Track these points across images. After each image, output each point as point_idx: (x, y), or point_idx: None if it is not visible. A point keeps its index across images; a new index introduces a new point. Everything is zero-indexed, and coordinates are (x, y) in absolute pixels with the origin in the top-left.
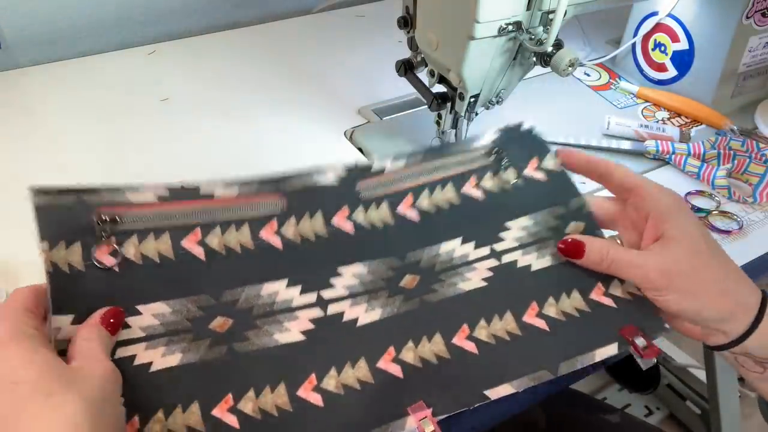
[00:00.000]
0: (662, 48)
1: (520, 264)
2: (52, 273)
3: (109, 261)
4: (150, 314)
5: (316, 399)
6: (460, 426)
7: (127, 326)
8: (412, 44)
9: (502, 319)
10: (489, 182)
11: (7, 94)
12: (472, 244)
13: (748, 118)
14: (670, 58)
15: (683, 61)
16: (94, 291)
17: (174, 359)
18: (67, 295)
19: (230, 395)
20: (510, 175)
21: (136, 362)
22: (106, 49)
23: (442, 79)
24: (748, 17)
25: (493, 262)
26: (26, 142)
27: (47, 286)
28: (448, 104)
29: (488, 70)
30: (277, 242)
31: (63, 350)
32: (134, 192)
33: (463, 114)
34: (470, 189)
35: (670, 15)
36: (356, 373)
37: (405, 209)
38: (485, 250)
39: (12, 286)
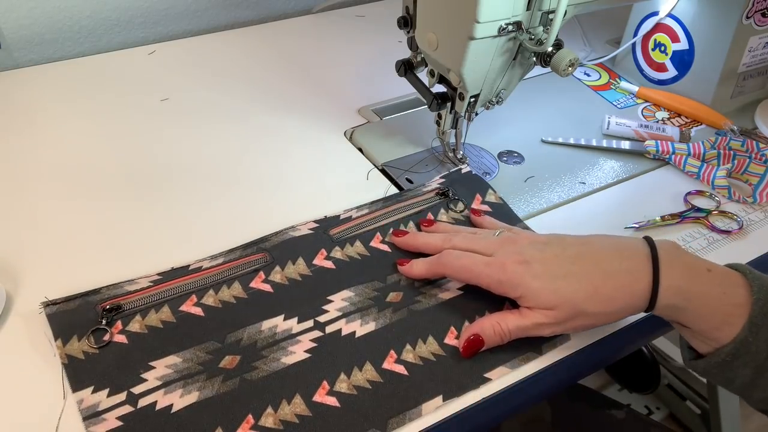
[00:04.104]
0: (662, 48)
1: None
2: (67, 364)
3: (118, 339)
4: (163, 366)
5: (332, 401)
6: (468, 423)
7: (143, 380)
8: (412, 44)
9: None
10: (444, 217)
11: (7, 94)
12: None
13: (748, 118)
14: (670, 58)
15: (683, 61)
16: (108, 363)
17: (192, 397)
18: (84, 374)
19: (250, 415)
20: (459, 208)
21: (158, 407)
22: (106, 49)
23: (442, 79)
24: (748, 17)
25: None
26: (26, 142)
27: (63, 375)
28: (448, 104)
29: (488, 70)
30: (267, 288)
31: (88, 417)
32: (131, 283)
33: (463, 114)
34: None
35: (670, 15)
36: (364, 375)
37: (376, 243)
38: None
39: (12, 286)
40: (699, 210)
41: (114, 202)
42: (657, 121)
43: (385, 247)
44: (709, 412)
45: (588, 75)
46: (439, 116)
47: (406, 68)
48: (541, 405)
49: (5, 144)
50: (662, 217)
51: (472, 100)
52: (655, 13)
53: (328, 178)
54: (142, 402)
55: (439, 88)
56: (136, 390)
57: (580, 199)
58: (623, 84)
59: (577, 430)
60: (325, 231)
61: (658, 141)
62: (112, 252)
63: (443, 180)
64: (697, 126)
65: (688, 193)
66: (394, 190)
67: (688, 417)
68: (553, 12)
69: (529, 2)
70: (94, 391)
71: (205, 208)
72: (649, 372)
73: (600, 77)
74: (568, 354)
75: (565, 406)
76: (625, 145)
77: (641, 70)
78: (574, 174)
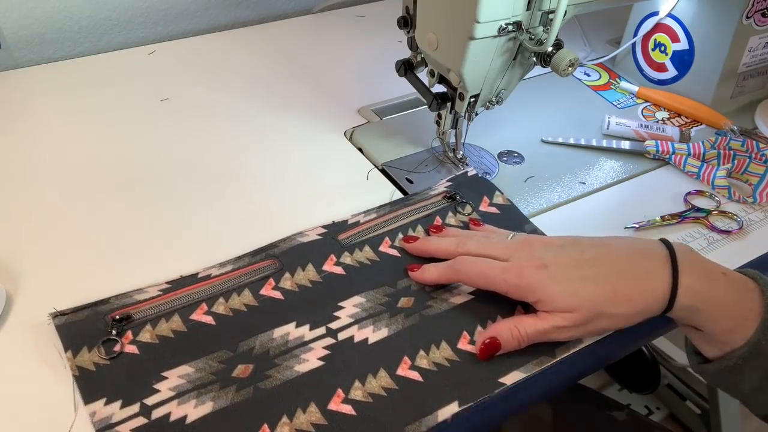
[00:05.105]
0: (662, 48)
1: None
2: (78, 376)
3: (129, 349)
4: (176, 376)
5: (348, 409)
6: (469, 424)
7: (156, 391)
8: (412, 44)
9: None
10: (452, 220)
11: (7, 94)
12: None
13: (748, 118)
14: (670, 58)
15: (683, 61)
16: (119, 374)
17: (206, 408)
18: (96, 385)
19: (266, 425)
20: (467, 211)
21: (172, 418)
22: (106, 49)
23: (442, 79)
24: (748, 17)
25: None
26: (26, 142)
27: (74, 387)
28: (448, 104)
29: (488, 70)
30: (277, 295)
31: (101, 429)
32: (140, 292)
33: (463, 114)
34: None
35: (670, 15)
36: (379, 382)
37: (385, 248)
38: None
39: (12, 286)
40: (699, 210)
41: (113, 203)
42: (657, 121)
43: (394, 252)
44: (709, 412)
45: (588, 75)
46: (439, 116)
47: (406, 68)
48: (541, 405)
49: (5, 144)
50: (662, 217)
51: (472, 100)
52: (655, 13)
53: (328, 178)
54: (156, 413)
55: (439, 88)
56: (150, 401)
57: (580, 199)
58: (623, 84)
59: (578, 431)
60: (334, 236)
61: (658, 141)
62: (112, 252)
63: (450, 183)
64: (697, 126)
65: (688, 193)
66: (399, 194)
67: (688, 417)
68: (553, 12)
69: (529, 2)
70: (106, 403)
71: (204, 208)
72: (649, 372)
73: (600, 77)
74: (568, 353)
75: (566, 406)
76: (625, 145)
77: (641, 70)
78: (574, 174)
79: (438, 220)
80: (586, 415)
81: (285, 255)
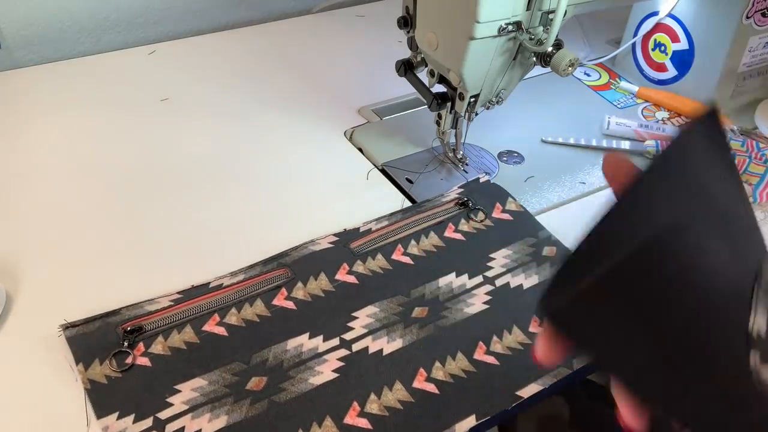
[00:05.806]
0: (662, 48)
1: (512, 285)
2: (90, 389)
3: (141, 361)
4: (189, 389)
5: (364, 423)
6: (482, 426)
7: (169, 404)
8: (412, 44)
9: (512, 333)
10: (465, 227)
11: (7, 94)
12: (465, 276)
13: (748, 118)
14: (670, 58)
15: (683, 61)
16: (132, 387)
17: (221, 422)
18: (108, 399)
19: None
20: (480, 218)
21: None
22: (106, 49)
23: (442, 79)
24: (748, 17)
25: (488, 287)
26: (26, 142)
27: (86, 400)
28: (448, 104)
29: (488, 70)
30: (290, 305)
31: None
32: (151, 303)
33: (463, 114)
34: (451, 233)
35: (670, 15)
36: (395, 395)
37: (398, 256)
38: (479, 278)
39: (12, 285)
40: None
41: (112, 204)
42: (657, 121)
43: (407, 260)
44: None
45: (588, 75)
46: (439, 116)
47: (406, 68)
48: (558, 403)
49: (4, 143)
50: None
51: (472, 100)
52: (655, 13)
53: (328, 179)
54: (170, 428)
55: (439, 88)
56: (163, 415)
57: (580, 199)
58: (623, 84)
59: (595, 429)
60: (346, 244)
61: (658, 141)
62: (111, 253)
63: (462, 190)
64: None
65: None
66: (407, 202)
67: None
68: (553, 12)
69: (529, 2)
70: (119, 417)
71: (205, 210)
72: None
73: (600, 77)
74: (585, 364)
75: (582, 405)
76: (625, 145)
77: (641, 70)
78: (574, 174)
79: (450, 227)
80: (604, 414)
81: (297, 264)
